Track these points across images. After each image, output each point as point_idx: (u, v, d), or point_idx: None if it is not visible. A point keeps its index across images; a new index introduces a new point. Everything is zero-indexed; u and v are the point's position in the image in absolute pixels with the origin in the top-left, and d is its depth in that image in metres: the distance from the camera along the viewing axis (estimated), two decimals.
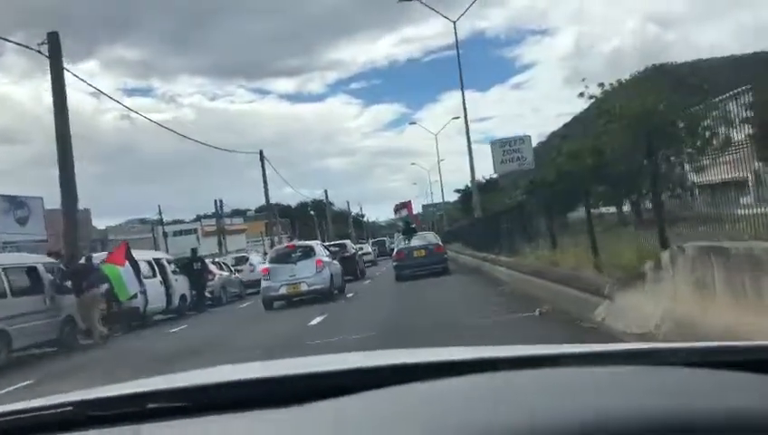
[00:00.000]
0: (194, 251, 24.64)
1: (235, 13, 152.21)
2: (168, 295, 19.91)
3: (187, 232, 73.95)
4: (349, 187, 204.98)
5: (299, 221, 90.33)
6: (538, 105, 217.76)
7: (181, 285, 20.89)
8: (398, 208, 40.23)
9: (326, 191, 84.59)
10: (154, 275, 19.47)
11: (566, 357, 1.44)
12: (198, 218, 76.85)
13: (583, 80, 31.92)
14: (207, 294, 22.85)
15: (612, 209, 17.28)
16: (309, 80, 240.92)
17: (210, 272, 23.73)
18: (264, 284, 18.83)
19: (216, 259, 28.56)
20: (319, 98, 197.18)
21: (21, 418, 1.44)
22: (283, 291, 18.51)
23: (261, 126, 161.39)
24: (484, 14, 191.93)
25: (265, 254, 37.96)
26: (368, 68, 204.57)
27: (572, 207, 17.92)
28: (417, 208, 71.65)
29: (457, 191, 67.26)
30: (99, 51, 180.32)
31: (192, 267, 22.24)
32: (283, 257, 19.41)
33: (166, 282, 19.96)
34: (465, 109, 30.99)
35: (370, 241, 59.15)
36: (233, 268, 27.84)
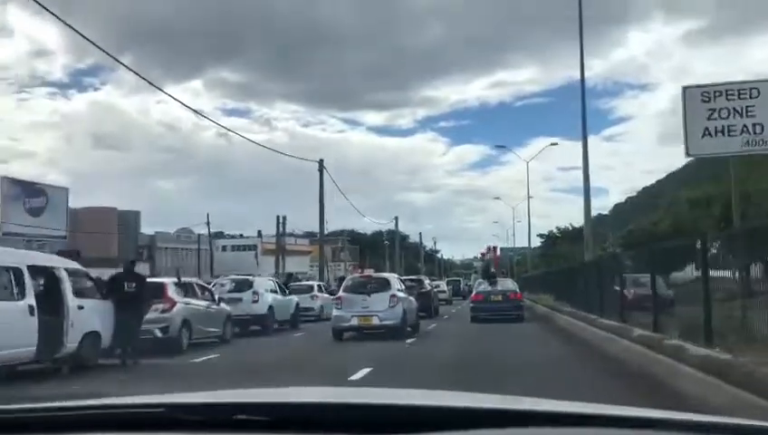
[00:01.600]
0: (131, 263, 15.11)
1: (335, 44, 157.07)
2: (49, 332, 11.47)
3: (246, 247, 69.96)
4: (428, 222, 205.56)
5: (370, 250, 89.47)
6: (628, 159, 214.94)
7: (92, 315, 12.66)
8: (487, 251, 39.88)
9: (396, 219, 74.48)
10: (16, 296, 11.05)
11: (600, 417, 1.47)
12: (260, 234, 70.70)
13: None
14: (158, 333, 15.02)
15: (725, 274, 16.17)
16: (399, 115, 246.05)
17: (167, 298, 15.82)
18: (335, 313, 18.72)
19: (198, 281, 20.80)
20: (407, 133, 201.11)
21: (115, 413, 1.58)
22: (354, 322, 18.31)
23: (348, 155, 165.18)
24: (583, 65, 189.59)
25: (296, 280, 37.29)
26: (458, 108, 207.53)
27: (676, 266, 16.88)
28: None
29: (540, 236, 65.86)
30: (203, 72, 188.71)
31: (121, 288, 13.67)
32: (358, 287, 19.28)
33: (51, 308, 11.75)
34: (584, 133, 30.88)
35: (445, 279, 58.56)
36: (224, 296, 19.99)
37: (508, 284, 27.88)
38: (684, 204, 32.05)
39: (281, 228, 53.20)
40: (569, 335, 17.50)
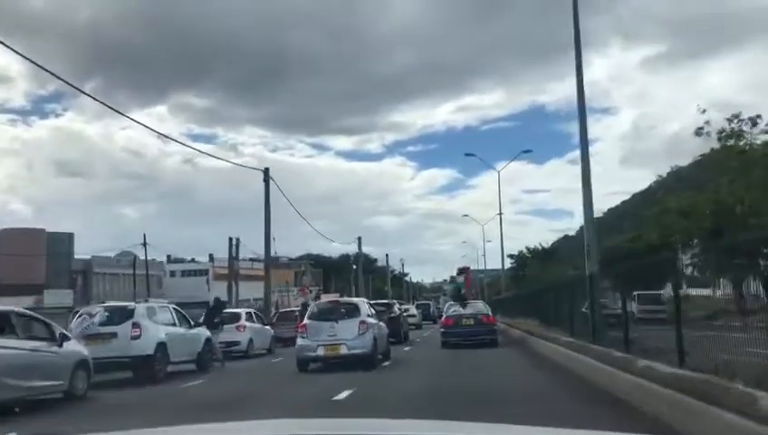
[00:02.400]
0: None
1: (304, 70, 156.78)
2: None
3: (197, 272, 65.75)
4: (397, 246, 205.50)
5: (336, 274, 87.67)
6: (592, 182, 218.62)
7: None
8: (459, 272, 36.88)
9: (360, 239, 69.70)
10: None
11: None
12: (211, 258, 65.92)
13: (704, 111, 28.73)
14: None
15: (705, 292, 15.70)
16: (368, 140, 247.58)
17: None
18: (299, 342, 17.75)
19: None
20: (375, 157, 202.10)
21: None
22: (320, 352, 17.35)
23: (317, 180, 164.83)
24: (544, 89, 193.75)
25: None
26: (426, 132, 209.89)
27: (652, 284, 16.32)
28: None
29: (510, 257, 65.31)
30: (168, 96, 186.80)
31: None
32: (324, 314, 18.33)
33: None
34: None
35: (414, 303, 57.75)
36: (91, 331, 15.91)
37: (480, 306, 26.95)
38: (671, 214, 31.14)
39: (233, 251, 49.44)
40: (549, 362, 16.83)
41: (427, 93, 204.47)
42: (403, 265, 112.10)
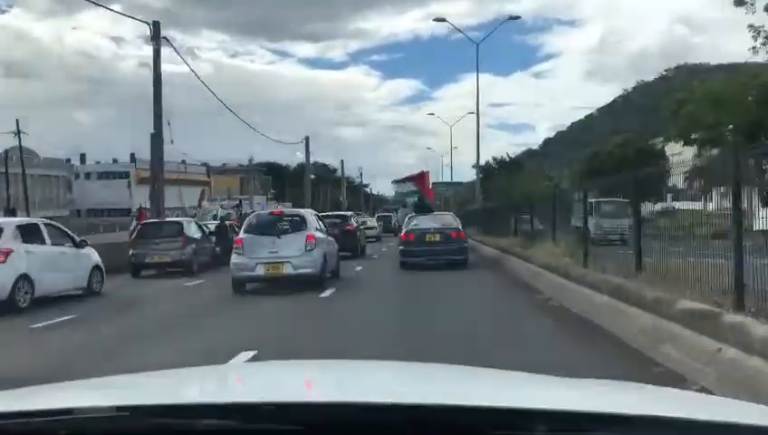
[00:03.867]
0: None
1: None
2: None
3: (116, 175, 56.88)
4: (360, 158, 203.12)
5: (293, 184, 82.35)
6: (556, 95, 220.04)
7: None
8: (406, 180, 26.70)
9: (307, 139, 57.32)
10: None
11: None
12: (133, 159, 54.08)
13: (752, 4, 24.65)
14: None
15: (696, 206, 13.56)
16: (331, 47, 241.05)
17: None
18: (234, 259, 15.43)
19: None
20: (339, 66, 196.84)
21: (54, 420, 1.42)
22: (259, 271, 15.15)
23: (278, 88, 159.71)
24: None
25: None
26: (391, 41, 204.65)
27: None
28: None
29: (476, 167, 62.77)
30: None
31: None
32: (264, 227, 15.98)
33: None
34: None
35: (376, 215, 55.61)
36: None
37: (448, 219, 22.80)
38: (700, 104, 24.70)
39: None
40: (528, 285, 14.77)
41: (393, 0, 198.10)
42: (361, 175, 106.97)
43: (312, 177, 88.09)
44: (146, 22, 25.91)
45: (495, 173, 58.28)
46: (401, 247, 20.71)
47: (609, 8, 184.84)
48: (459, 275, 17.93)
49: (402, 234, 21.80)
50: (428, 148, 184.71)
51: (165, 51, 25.52)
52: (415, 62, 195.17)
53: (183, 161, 51.12)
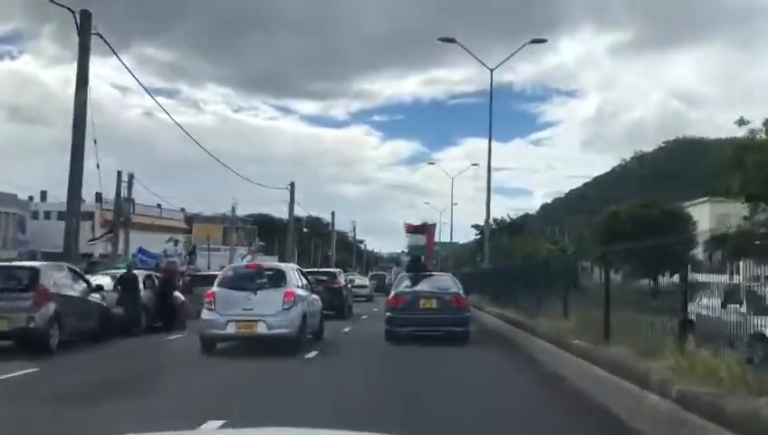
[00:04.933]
0: None
1: (273, 28, 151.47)
2: None
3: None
4: (358, 215, 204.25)
5: (280, 237, 79.11)
6: (553, 163, 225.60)
7: None
8: (414, 230, 20.00)
9: (292, 185, 51.80)
10: None
11: None
12: (99, 198, 46.33)
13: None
14: None
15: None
16: (333, 106, 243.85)
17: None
18: (204, 315, 14.02)
19: None
20: (341, 124, 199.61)
21: None
22: (230, 329, 13.76)
23: (279, 143, 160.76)
24: (512, 67, 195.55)
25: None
26: (392, 102, 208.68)
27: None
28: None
29: (476, 227, 61.55)
30: (130, 48, 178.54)
31: None
32: (239, 281, 14.59)
33: None
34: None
35: (370, 274, 54.11)
36: None
37: (447, 281, 18.73)
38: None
39: (122, 191, 36.19)
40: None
41: (396, 63, 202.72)
42: (354, 230, 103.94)
43: (305, 230, 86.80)
44: (69, 9, 19.23)
45: (495, 234, 57.12)
46: (388, 314, 16.88)
47: (607, 81, 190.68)
48: (459, 347, 15.26)
49: (390, 297, 17.93)
50: (426, 203, 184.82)
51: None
52: (415, 124, 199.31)
53: (158, 205, 49.22)
